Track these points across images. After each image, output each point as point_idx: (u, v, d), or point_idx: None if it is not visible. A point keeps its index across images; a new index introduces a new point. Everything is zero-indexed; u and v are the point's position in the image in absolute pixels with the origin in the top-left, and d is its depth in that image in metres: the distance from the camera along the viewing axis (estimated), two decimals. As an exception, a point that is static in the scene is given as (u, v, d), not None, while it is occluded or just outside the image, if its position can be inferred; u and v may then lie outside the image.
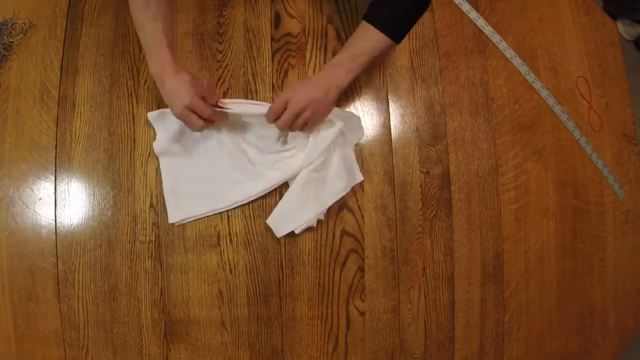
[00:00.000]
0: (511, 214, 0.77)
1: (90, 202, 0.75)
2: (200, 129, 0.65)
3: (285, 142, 0.72)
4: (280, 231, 0.71)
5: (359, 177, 0.74)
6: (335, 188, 0.72)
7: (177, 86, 0.62)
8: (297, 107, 0.61)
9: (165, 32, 0.63)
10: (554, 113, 0.79)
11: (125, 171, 0.76)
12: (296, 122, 0.62)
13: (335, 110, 0.68)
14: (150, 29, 0.62)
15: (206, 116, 0.63)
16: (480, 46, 0.80)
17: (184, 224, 0.74)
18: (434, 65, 0.79)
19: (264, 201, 0.75)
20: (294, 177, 0.70)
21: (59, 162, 0.76)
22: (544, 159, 0.78)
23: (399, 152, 0.77)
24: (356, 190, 0.75)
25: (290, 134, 0.70)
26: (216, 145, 0.73)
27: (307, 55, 0.78)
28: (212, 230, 0.74)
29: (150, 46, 0.63)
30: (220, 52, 0.78)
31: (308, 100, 0.61)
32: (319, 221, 0.73)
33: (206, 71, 0.78)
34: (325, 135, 0.68)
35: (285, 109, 0.62)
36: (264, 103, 0.71)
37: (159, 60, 0.63)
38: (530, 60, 0.80)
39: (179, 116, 0.63)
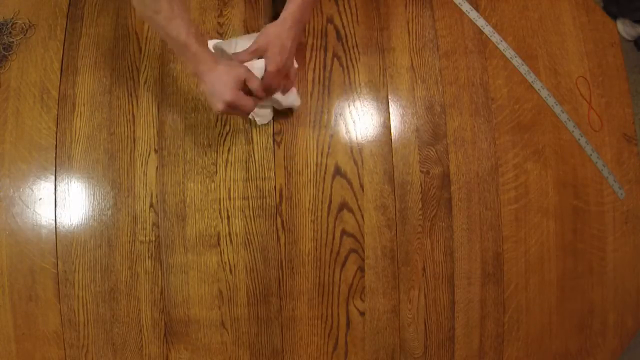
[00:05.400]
0: (511, 214, 0.77)
1: (90, 202, 0.75)
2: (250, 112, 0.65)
3: None
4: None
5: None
6: None
7: (213, 83, 0.60)
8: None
9: (187, 28, 0.59)
10: (554, 113, 0.79)
11: (125, 171, 0.76)
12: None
13: None
14: (172, 30, 0.58)
15: (250, 109, 0.63)
16: (480, 46, 0.80)
17: (184, 224, 0.74)
18: (434, 65, 0.79)
19: (264, 201, 0.75)
20: None
21: (59, 162, 0.76)
22: (544, 159, 0.78)
23: (399, 152, 0.77)
24: (356, 190, 0.75)
25: None
26: None
27: (307, 55, 0.78)
28: (212, 230, 0.74)
29: (178, 47, 0.60)
30: (220, 52, 0.78)
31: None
32: (291, 110, 0.76)
33: (206, 71, 0.78)
34: None
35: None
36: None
37: (190, 59, 0.60)
38: (530, 60, 0.80)
39: (224, 112, 0.62)
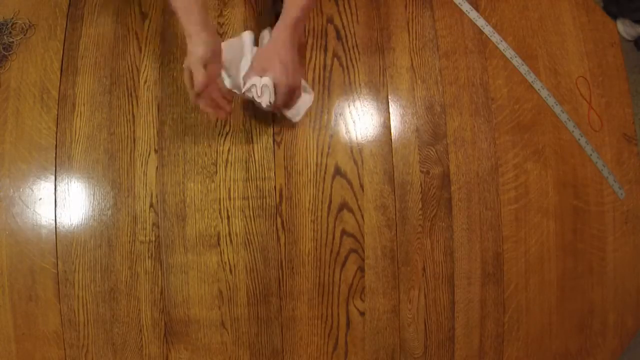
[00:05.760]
0: (511, 214, 0.77)
1: (90, 202, 0.75)
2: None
3: None
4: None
5: None
6: None
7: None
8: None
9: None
10: (554, 113, 0.79)
11: (125, 171, 0.76)
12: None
13: None
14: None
15: (199, 82, 0.61)
16: (480, 46, 0.80)
17: (184, 224, 0.74)
18: (434, 65, 0.79)
19: (264, 201, 0.75)
20: None
21: (59, 162, 0.76)
22: (544, 159, 0.78)
23: (399, 152, 0.77)
24: (356, 190, 0.75)
25: None
26: None
27: (307, 55, 0.78)
28: (212, 230, 0.74)
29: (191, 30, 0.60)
30: (220, 52, 0.78)
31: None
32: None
33: (206, 71, 0.78)
34: None
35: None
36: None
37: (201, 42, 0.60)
38: (530, 60, 0.80)
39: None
